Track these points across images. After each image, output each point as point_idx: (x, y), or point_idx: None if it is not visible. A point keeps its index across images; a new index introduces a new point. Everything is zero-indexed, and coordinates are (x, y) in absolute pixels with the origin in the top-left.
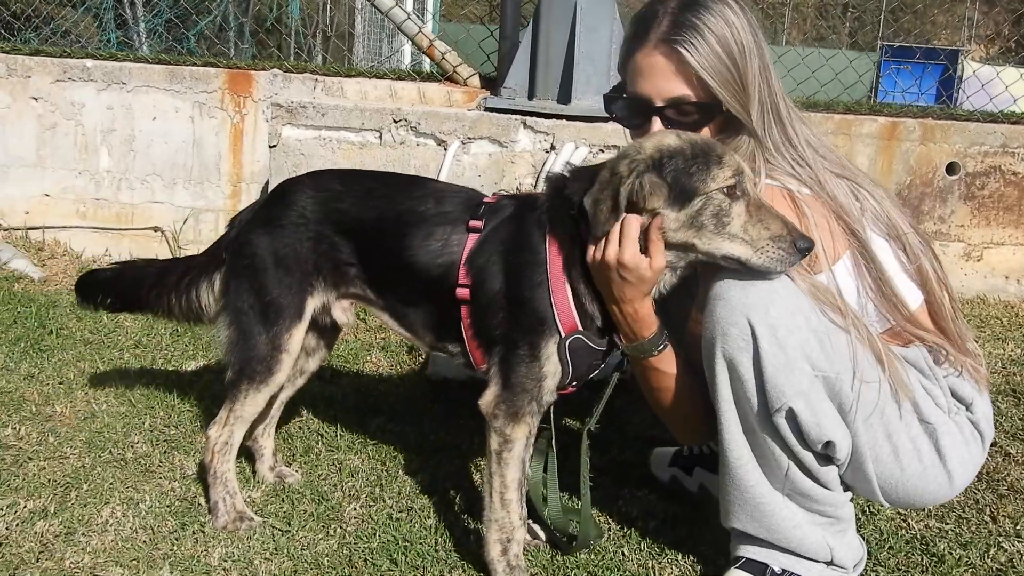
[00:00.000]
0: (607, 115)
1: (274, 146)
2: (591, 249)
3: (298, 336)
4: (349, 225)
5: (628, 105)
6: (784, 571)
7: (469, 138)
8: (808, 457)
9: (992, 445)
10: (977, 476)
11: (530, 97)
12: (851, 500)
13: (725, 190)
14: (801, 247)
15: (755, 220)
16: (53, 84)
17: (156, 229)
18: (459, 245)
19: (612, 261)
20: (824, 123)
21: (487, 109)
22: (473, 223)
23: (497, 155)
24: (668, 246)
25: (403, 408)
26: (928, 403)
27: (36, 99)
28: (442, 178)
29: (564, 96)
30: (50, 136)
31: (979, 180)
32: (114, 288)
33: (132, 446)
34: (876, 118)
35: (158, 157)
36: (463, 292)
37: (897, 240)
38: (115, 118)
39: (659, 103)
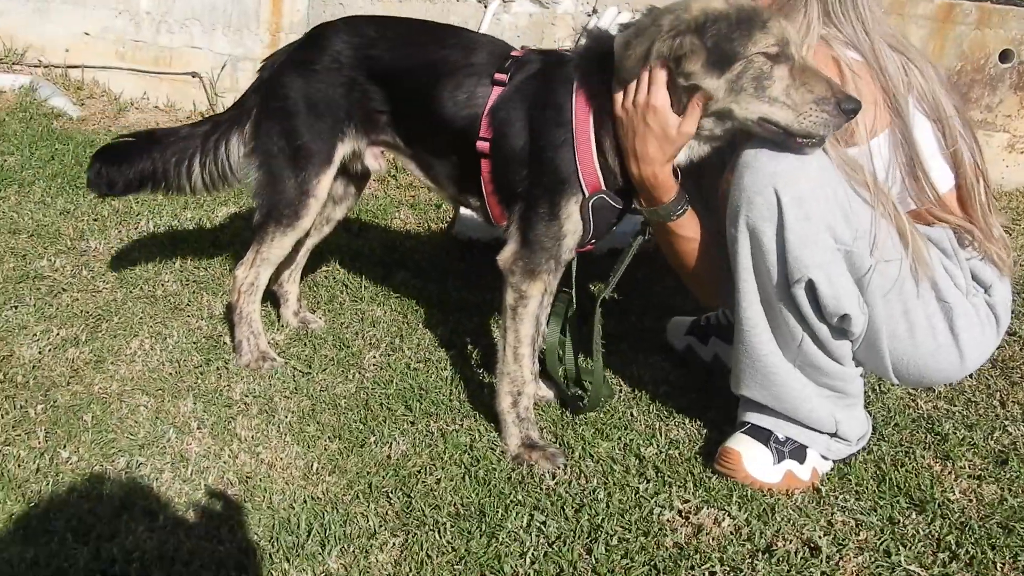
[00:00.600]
0: None
1: None
2: (619, 95)
3: (326, 181)
4: (382, 72)
5: None
6: (788, 439)
7: None
8: (823, 330)
9: (1011, 334)
10: (992, 362)
11: None
12: (861, 376)
13: (767, 54)
14: (847, 108)
15: (798, 83)
16: None
17: (194, 75)
18: (484, 97)
19: (642, 103)
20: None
21: None
22: (498, 76)
23: (538, 15)
24: (705, 114)
25: (428, 265)
26: (947, 282)
27: None
28: None
29: None
30: None
31: None
32: (130, 162)
33: (162, 284)
34: None
35: (198, 1)
36: (483, 145)
37: (939, 123)
38: None
39: None
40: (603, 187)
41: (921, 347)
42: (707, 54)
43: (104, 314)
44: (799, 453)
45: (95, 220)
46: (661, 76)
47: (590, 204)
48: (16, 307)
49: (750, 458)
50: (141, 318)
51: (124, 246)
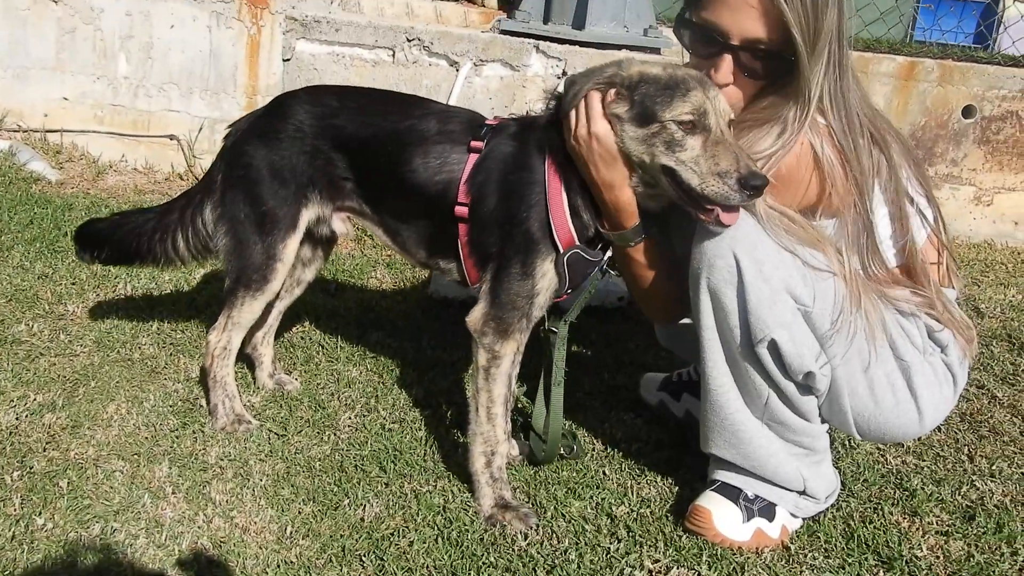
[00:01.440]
0: (620, 44)
1: (288, 60)
2: (566, 132)
3: (292, 246)
4: (345, 141)
5: (702, 35)
6: (757, 496)
7: (482, 60)
8: (789, 387)
9: (979, 387)
10: (960, 416)
11: (545, 21)
12: (828, 433)
13: (681, 122)
14: (750, 184)
15: (708, 155)
16: None
17: (172, 137)
18: (459, 164)
19: (584, 134)
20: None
21: (501, 31)
22: (475, 143)
23: (509, 79)
24: (631, 170)
25: (403, 324)
26: (904, 342)
27: (56, 1)
28: (453, 99)
29: (579, 22)
30: (69, 40)
31: (995, 124)
32: (113, 238)
33: (139, 347)
34: (895, 57)
35: (175, 66)
36: (462, 210)
37: (898, 220)
38: (133, 24)
39: (736, 41)
40: (576, 242)
41: (881, 404)
42: (632, 108)
43: (81, 378)
44: (768, 511)
45: (73, 284)
46: (596, 104)
47: (565, 260)
48: None
49: (720, 516)
50: (118, 382)
51: (102, 309)
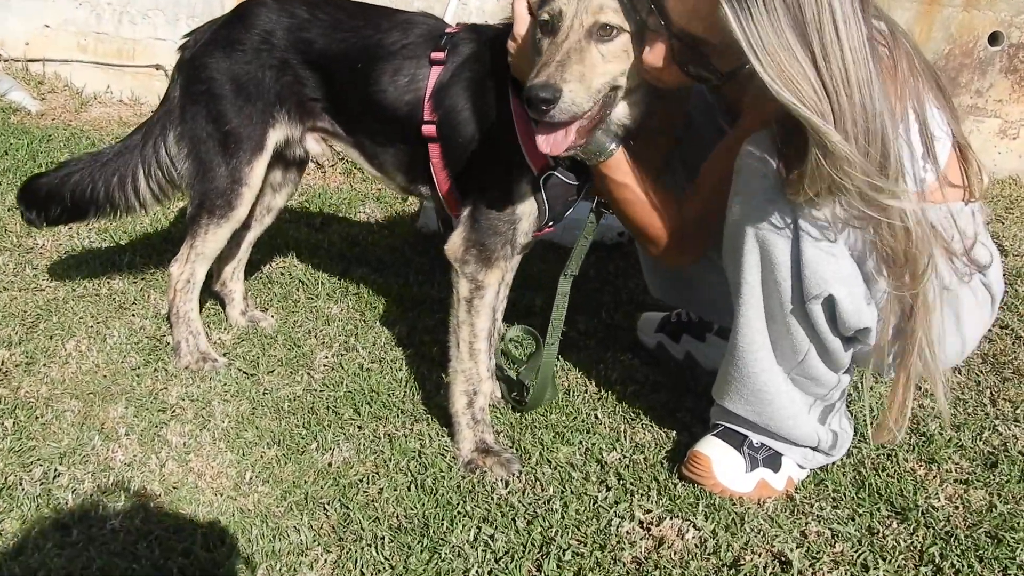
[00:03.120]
0: None
1: None
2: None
3: (259, 169)
4: (315, 57)
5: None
6: (763, 445)
7: None
8: (835, 343)
9: (1003, 327)
10: (982, 358)
11: None
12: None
13: (541, 24)
14: (528, 96)
15: (540, 61)
16: None
17: (158, 67)
18: (424, 80)
19: (511, 40)
20: None
21: None
22: (435, 55)
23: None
24: None
25: (389, 259)
26: (948, 269)
27: None
28: (447, 20)
29: None
30: None
31: (1023, 52)
32: (62, 192)
33: (108, 282)
34: None
35: None
36: (429, 129)
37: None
38: None
39: (676, 27)
40: (551, 163)
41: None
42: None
43: (43, 314)
44: (773, 461)
45: None
46: (520, 6)
47: (541, 182)
48: None
49: (721, 464)
50: (81, 317)
51: (72, 243)
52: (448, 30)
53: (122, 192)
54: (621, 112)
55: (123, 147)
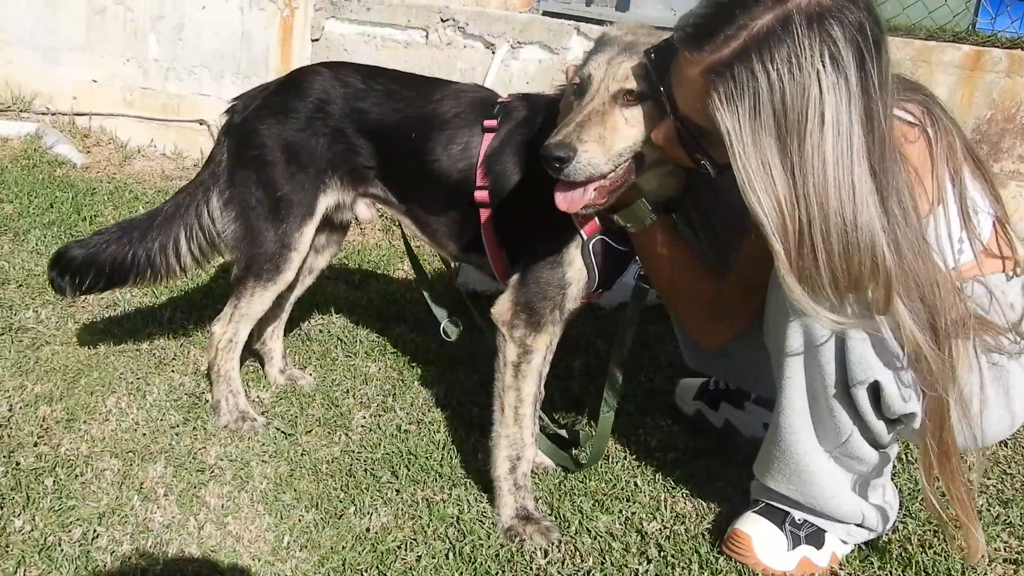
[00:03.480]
0: (666, 27)
1: (316, 40)
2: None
3: (308, 234)
4: (369, 126)
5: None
6: (805, 522)
7: (519, 42)
8: (879, 425)
9: None
10: None
11: (587, 3)
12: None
13: (575, 83)
14: (543, 154)
15: (570, 116)
16: None
17: (201, 122)
18: (477, 147)
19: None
20: (903, 49)
21: (543, 13)
22: (488, 122)
23: (548, 62)
24: None
25: (428, 318)
26: (982, 346)
27: None
28: (488, 83)
29: (623, 3)
30: (99, 20)
31: None
32: (99, 260)
33: (149, 337)
34: (960, 46)
35: (207, 48)
36: (481, 195)
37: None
38: (164, 5)
39: (679, 111)
40: (600, 227)
41: (972, 411)
42: None
43: (84, 369)
44: (816, 538)
45: None
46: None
47: (590, 246)
48: None
49: (762, 542)
50: (122, 373)
51: (113, 297)
52: (501, 99)
53: (163, 257)
54: (654, 182)
55: (165, 211)
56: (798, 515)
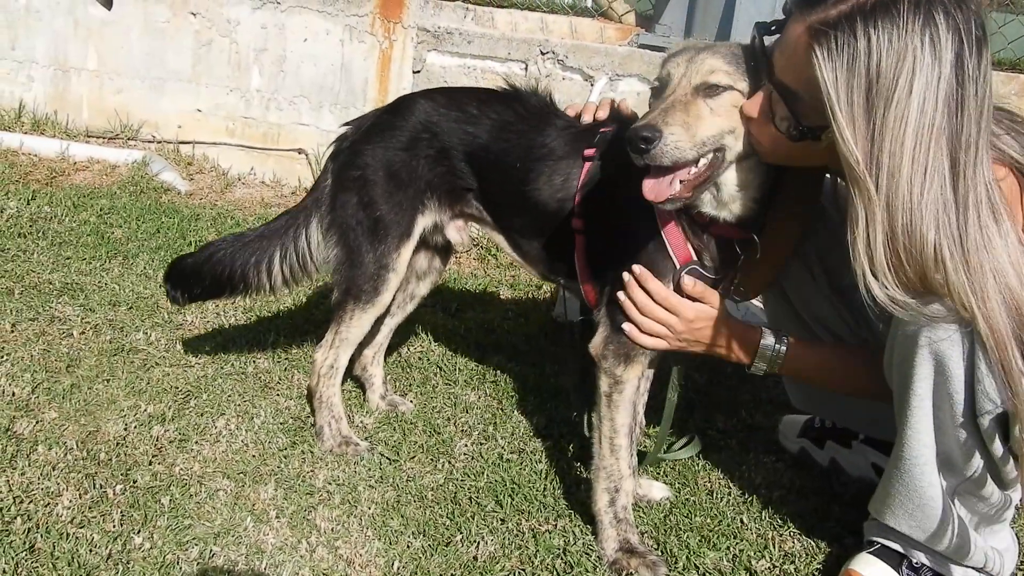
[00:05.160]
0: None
1: (418, 72)
2: None
3: (406, 255)
4: (476, 151)
5: (764, 55)
6: (923, 566)
7: (618, 75)
8: (1006, 459)
9: None
10: None
11: (686, 35)
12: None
13: (653, 87)
14: (629, 136)
15: (653, 111)
16: (211, 0)
17: (300, 151)
18: (576, 178)
19: None
20: (1008, 84)
21: (640, 46)
22: (587, 151)
23: (646, 94)
24: None
25: (525, 348)
26: None
27: (194, 14)
28: None
29: (723, 36)
30: (205, 52)
31: None
32: (204, 271)
33: (254, 360)
34: None
35: (307, 79)
36: (577, 222)
37: None
38: (268, 37)
39: (776, 76)
40: (693, 258)
41: None
42: None
43: (193, 390)
44: None
45: None
46: None
47: (682, 275)
48: (108, 380)
49: None
50: (230, 396)
51: (219, 320)
52: (603, 129)
53: (256, 272)
54: (736, 183)
55: (266, 230)
56: (916, 558)
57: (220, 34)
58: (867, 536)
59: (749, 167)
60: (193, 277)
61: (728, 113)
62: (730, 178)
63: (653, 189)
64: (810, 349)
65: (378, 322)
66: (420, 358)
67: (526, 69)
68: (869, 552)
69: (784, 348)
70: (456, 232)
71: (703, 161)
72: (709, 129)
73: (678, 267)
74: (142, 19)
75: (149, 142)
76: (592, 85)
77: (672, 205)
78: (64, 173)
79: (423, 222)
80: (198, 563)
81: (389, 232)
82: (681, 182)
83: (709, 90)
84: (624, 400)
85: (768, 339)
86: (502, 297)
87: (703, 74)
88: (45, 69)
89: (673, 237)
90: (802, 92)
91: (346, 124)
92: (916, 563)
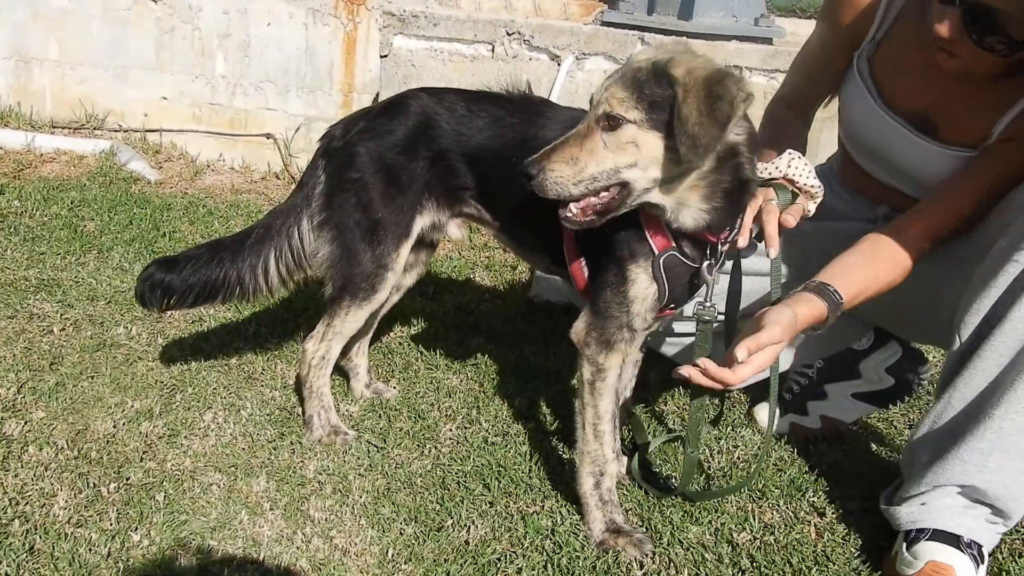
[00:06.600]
0: (729, 35)
1: (385, 56)
2: None
3: (404, 255)
4: (473, 150)
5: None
6: (972, 541)
7: (584, 54)
8: None
9: None
10: None
11: (649, 12)
12: None
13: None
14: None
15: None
16: None
17: (268, 136)
18: None
19: None
20: None
21: (604, 24)
22: None
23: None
24: None
25: (503, 329)
26: None
27: (155, 1)
28: (554, 95)
29: (686, 12)
30: (168, 39)
31: None
32: (191, 278)
33: (237, 352)
34: None
35: (272, 64)
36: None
37: None
38: (231, 22)
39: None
40: (672, 244)
41: None
42: None
43: (178, 384)
44: (981, 554)
45: None
46: None
47: (660, 262)
48: (92, 377)
49: (962, 571)
50: (215, 388)
51: (198, 312)
52: None
53: (253, 276)
54: (678, 198)
55: (255, 235)
56: (965, 536)
57: (182, 20)
58: (906, 521)
59: (690, 185)
60: (176, 291)
61: (626, 148)
62: (670, 198)
63: (562, 214)
64: (847, 272)
65: (370, 315)
66: (400, 343)
67: (492, 51)
68: (929, 540)
69: (840, 296)
70: (456, 229)
71: (604, 194)
72: (600, 165)
73: (656, 253)
74: (102, 7)
75: (115, 131)
76: (559, 65)
77: (573, 226)
78: (31, 165)
79: (421, 222)
80: (197, 558)
81: (388, 233)
82: (580, 208)
83: (609, 122)
84: (607, 387)
85: (823, 302)
86: (478, 279)
87: (606, 103)
88: (6, 61)
89: (652, 227)
90: (1007, 6)
91: (334, 125)
92: (967, 540)
